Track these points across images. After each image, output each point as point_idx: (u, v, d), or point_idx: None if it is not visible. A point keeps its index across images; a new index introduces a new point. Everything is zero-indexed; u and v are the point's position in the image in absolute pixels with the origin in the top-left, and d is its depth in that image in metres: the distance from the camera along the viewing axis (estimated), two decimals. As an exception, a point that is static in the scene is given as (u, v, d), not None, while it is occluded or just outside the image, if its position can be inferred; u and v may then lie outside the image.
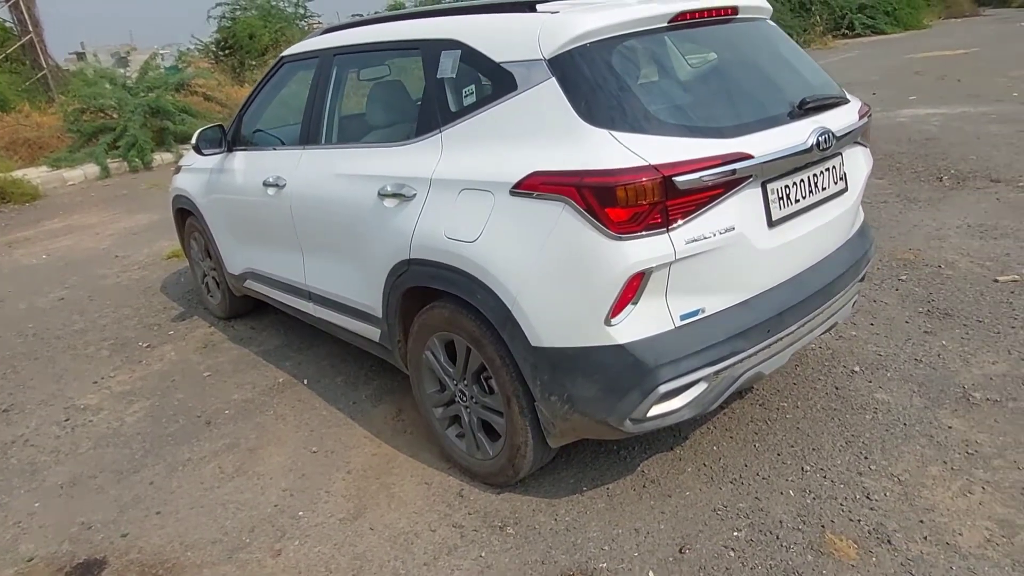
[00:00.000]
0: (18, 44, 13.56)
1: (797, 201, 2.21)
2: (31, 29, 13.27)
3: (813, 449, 2.54)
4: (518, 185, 2.04)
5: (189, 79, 12.82)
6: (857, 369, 3.04)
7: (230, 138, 3.64)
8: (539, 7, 2.22)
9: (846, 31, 21.24)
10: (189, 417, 3.28)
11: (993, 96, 9.43)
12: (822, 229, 2.33)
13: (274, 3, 18.17)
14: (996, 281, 3.76)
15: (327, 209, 2.88)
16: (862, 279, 2.66)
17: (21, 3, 12.85)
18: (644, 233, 1.90)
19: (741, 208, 2.03)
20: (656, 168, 1.87)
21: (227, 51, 17.76)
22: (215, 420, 3.23)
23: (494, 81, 2.22)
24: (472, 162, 2.23)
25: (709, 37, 2.39)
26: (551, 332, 2.05)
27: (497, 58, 2.21)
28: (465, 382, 2.47)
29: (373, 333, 2.86)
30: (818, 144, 2.16)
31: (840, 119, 2.32)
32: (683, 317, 2.02)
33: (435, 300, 2.46)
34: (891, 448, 2.50)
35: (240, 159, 3.59)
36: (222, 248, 3.96)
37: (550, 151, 2.02)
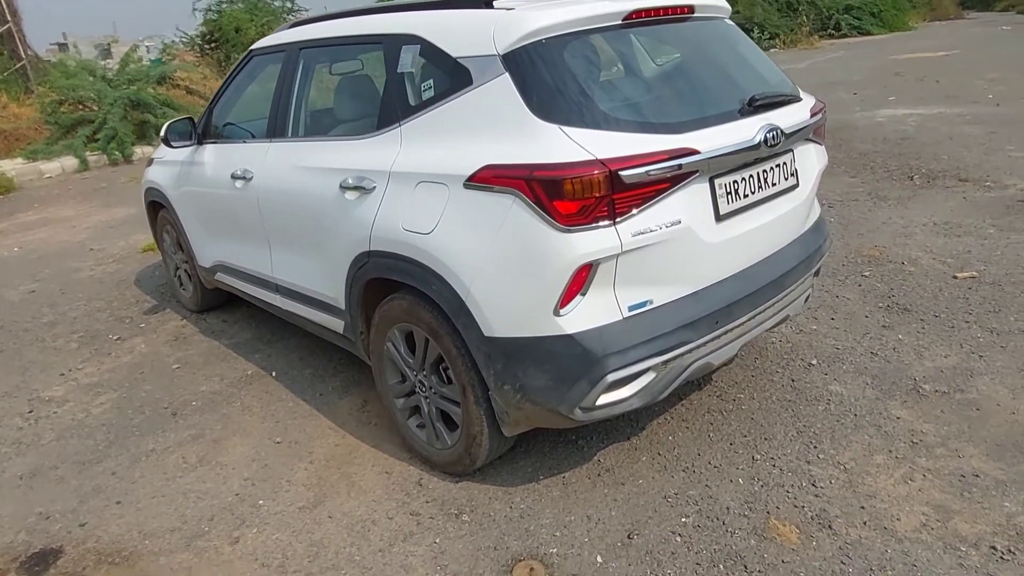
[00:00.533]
0: (-4, 35, 13.41)
1: (746, 196, 2.26)
2: (9, 19, 13.13)
3: (765, 439, 2.60)
4: (471, 178, 2.08)
5: (171, 72, 12.75)
6: (815, 362, 3.10)
7: (200, 130, 3.65)
8: (496, 3, 2.26)
9: (832, 31, 21.41)
10: (156, 408, 3.29)
11: (970, 98, 9.56)
12: (772, 224, 2.38)
13: (262, -5, 18.05)
14: (955, 278, 3.84)
15: (292, 202, 2.91)
16: (816, 273, 2.72)
17: (-1, -7, 12.72)
18: (591, 225, 1.94)
19: (688, 202, 2.08)
20: (602, 162, 1.91)
21: (213, 44, 17.63)
22: (181, 411, 3.25)
23: (451, 76, 2.25)
24: (429, 155, 2.26)
25: (665, 36, 2.44)
26: (503, 322, 2.09)
27: (454, 53, 2.24)
28: (424, 373, 2.50)
29: (337, 325, 2.89)
30: (766, 141, 2.21)
31: (791, 116, 2.38)
32: (631, 308, 2.07)
33: (395, 292, 2.49)
34: (840, 438, 2.57)
35: (210, 152, 3.60)
36: (193, 241, 3.97)
37: (502, 145, 2.05)
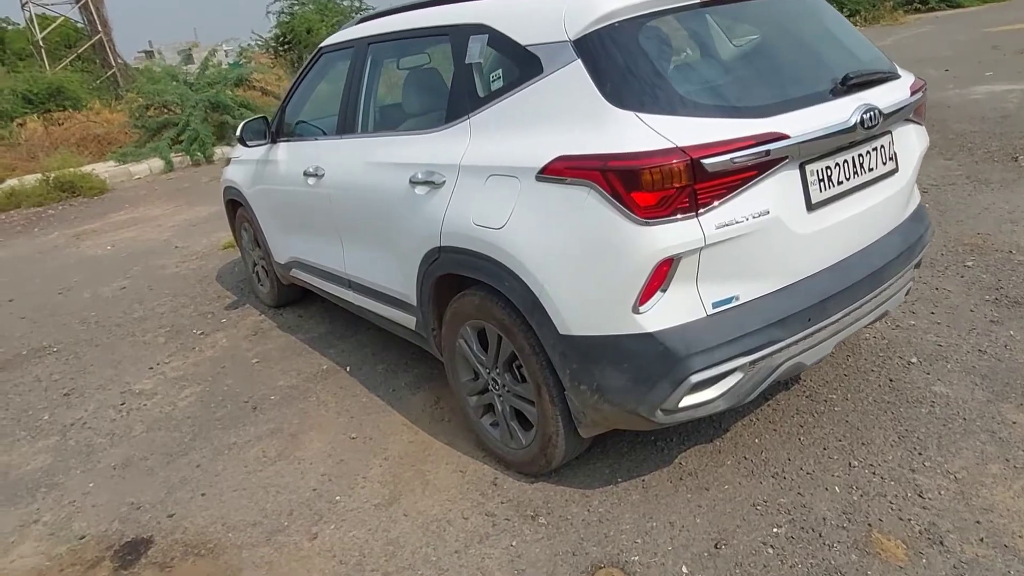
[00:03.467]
0: (89, 44, 14.20)
1: (840, 183, 2.09)
2: (100, 29, 13.89)
3: (862, 444, 2.42)
4: (543, 170, 2.00)
5: (248, 74, 13.20)
6: (914, 360, 2.88)
7: (274, 129, 3.70)
8: (566, -13, 2.16)
9: (919, 5, 20.12)
10: (236, 402, 3.37)
11: (1077, 70, 8.79)
12: (869, 212, 2.20)
13: (330, -2, 18.44)
14: (1073, 266, 3.50)
15: (363, 198, 2.90)
16: (917, 265, 2.51)
17: (90, 3, 13.43)
18: (672, 218, 1.83)
19: (777, 191, 1.93)
20: (683, 150, 1.80)
21: (286, 46, 18.14)
22: (261, 405, 3.31)
23: (520, 65, 2.18)
24: (499, 148, 2.20)
25: (744, 14, 2.29)
26: (579, 320, 2.00)
27: (523, 41, 2.16)
28: (497, 370, 2.45)
29: (409, 321, 2.87)
30: (862, 122, 2.03)
31: (889, 95, 2.18)
32: (715, 305, 1.94)
33: (466, 288, 2.45)
34: (948, 444, 2.36)
35: (283, 150, 3.65)
36: (269, 237, 4.05)
37: (576, 135, 1.96)
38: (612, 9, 1.98)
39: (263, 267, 4.45)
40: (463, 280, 2.44)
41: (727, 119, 1.88)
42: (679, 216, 1.83)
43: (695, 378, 1.92)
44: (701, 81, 2.03)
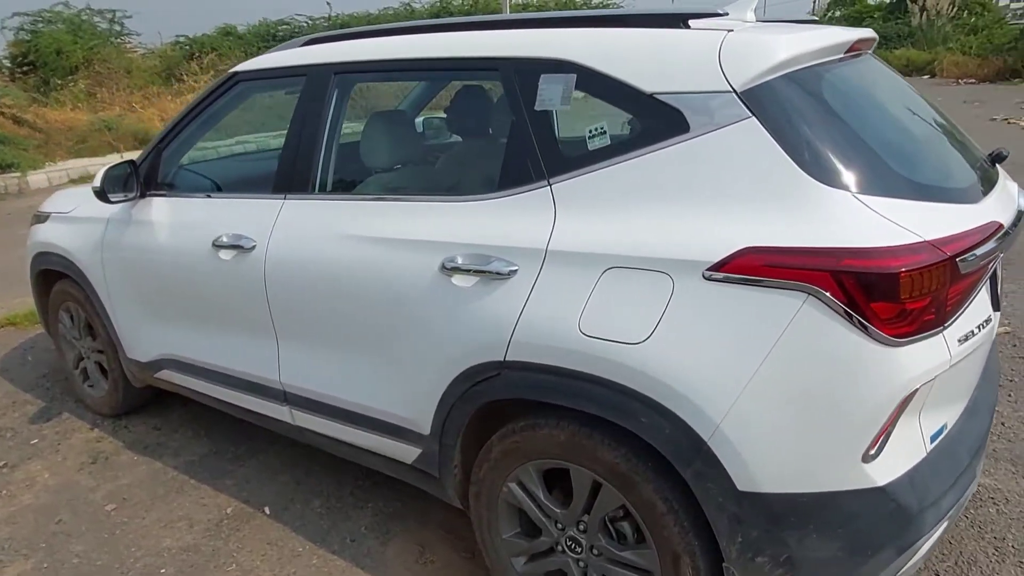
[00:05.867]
0: None
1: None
2: None
3: (968, 562, 2.15)
4: (720, 266, 1.44)
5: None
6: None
7: (143, 179, 2.66)
8: (693, 23, 1.66)
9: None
10: (102, 585, 2.24)
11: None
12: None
13: (85, 17, 15.94)
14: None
15: (337, 284, 2.07)
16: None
17: None
18: (920, 335, 1.38)
19: (983, 292, 1.59)
20: (935, 245, 1.37)
21: (26, 67, 15.21)
22: (146, 587, 2.23)
23: (643, 118, 1.62)
24: (622, 229, 1.59)
25: (858, 74, 1.95)
26: (775, 473, 1.45)
27: (647, 87, 1.60)
28: (582, 528, 1.78)
29: (407, 454, 2.08)
30: (1020, 209, 1.79)
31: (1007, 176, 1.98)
32: (932, 438, 1.52)
33: (532, 416, 1.77)
34: (1044, 550, 2.17)
35: (162, 208, 2.62)
36: (123, 326, 2.90)
37: (764, 219, 1.44)
38: (790, 56, 1.51)
39: (98, 363, 3.22)
40: (512, 406, 1.78)
41: (946, 204, 1.50)
42: (927, 332, 1.38)
43: (927, 541, 1.47)
44: (896, 153, 1.63)
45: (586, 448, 1.67)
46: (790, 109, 1.50)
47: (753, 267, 1.42)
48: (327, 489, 2.67)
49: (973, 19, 23.90)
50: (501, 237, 1.75)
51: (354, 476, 2.70)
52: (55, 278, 3.20)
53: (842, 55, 1.75)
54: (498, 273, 1.72)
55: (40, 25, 15.32)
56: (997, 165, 1.88)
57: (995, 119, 11.08)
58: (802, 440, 1.43)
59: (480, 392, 1.80)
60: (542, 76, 1.75)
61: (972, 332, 1.48)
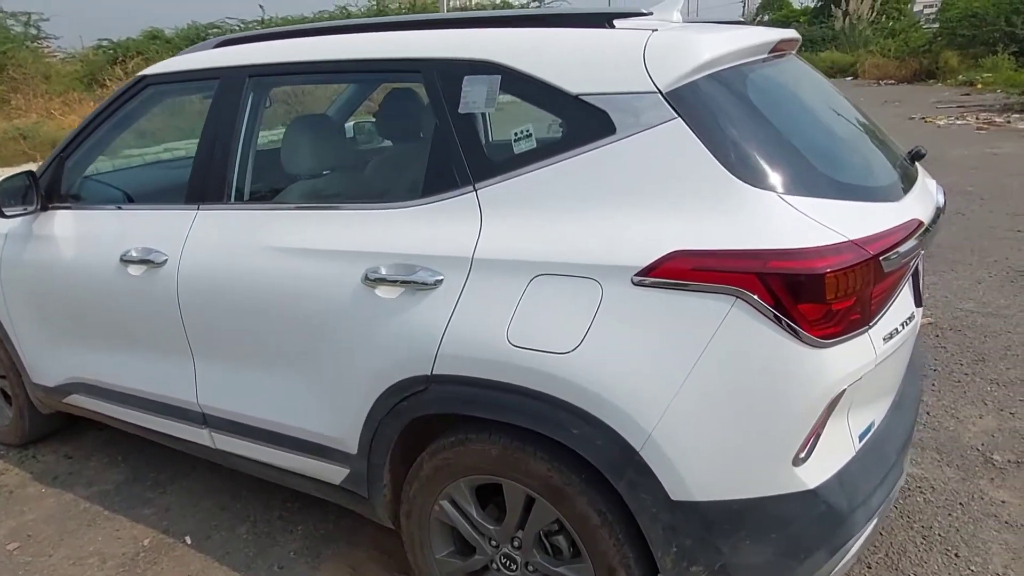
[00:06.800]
0: None
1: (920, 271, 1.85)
2: None
3: (899, 553, 2.18)
4: (649, 271, 1.41)
5: None
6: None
7: (44, 190, 2.47)
8: (618, 23, 1.63)
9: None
10: (1, 633, 2.06)
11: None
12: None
13: (-2, 21, 15.10)
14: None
15: (253, 298, 1.95)
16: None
17: None
18: (846, 335, 1.37)
19: (907, 290, 1.60)
20: (858, 244, 1.36)
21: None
22: (52, 632, 2.06)
23: (569, 120, 1.57)
24: (548, 235, 1.54)
25: (780, 74, 1.96)
26: (708, 480, 1.42)
27: (572, 88, 1.56)
28: (516, 544, 1.72)
29: (334, 475, 1.97)
30: (938, 205, 1.82)
31: (928, 175, 2.02)
32: (861, 437, 1.52)
33: (464, 431, 1.70)
34: (975, 542, 2.22)
35: (65, 221, 2.44)
36: (25, 350, 2.69)
37: (691, 222, 1.41)
38: (715, 55, 1.49)
39: (2, 389, 2.99)
40: (455, 420, 1.70)
41: (868, 202, 1.51)
42: (853, 332, 1.38)
43: (857, 541, 1.46)
44: (819, 153, 1.62)
45: (519, 462, 1.61)
46: (716, 109, 1.47)
47: (681, 271, 1.38)
48: (254, 513, 2.54)
49: (891, 23, 25.12)
50: (426, 246, 1.67)
51: (283, 498, 2.57)
52: (-52, 299, 2.95)
53: (766, 55, 1.75)
54: (423, 283, 1.65)
55: (-54, 29, 14.45)
56: (916, 163, 1.91)
57: (913, 118, 11.66)
58: (734, 446, 1.40)
59: (408, 407, 1.72)
60: (465, 78, 1.68)
61: (896, 330, 1.48)
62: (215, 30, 18.86)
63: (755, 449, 1.40)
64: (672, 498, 1.44)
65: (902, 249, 1.43)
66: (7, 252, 2.59)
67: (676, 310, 1.39)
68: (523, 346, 1.52)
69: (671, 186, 1.45)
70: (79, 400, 2.63)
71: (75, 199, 2.49)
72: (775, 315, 1.33)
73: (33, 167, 2.72)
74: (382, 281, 1.70)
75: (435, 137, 1.73)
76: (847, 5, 25.38)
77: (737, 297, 1.35)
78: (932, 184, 1.85)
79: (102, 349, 2.44)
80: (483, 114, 1.67)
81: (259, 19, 20.31)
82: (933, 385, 3.19)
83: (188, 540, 2.42)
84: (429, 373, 1.65)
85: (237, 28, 19.28)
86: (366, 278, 1.72)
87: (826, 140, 1.75)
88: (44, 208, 2.48)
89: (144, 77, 2.33)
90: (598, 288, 1.46)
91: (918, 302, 1.80)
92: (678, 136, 1.45)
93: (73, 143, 2.48)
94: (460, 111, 1.68)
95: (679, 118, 1.45)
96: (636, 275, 1.42)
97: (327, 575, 2.23)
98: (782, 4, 33.96)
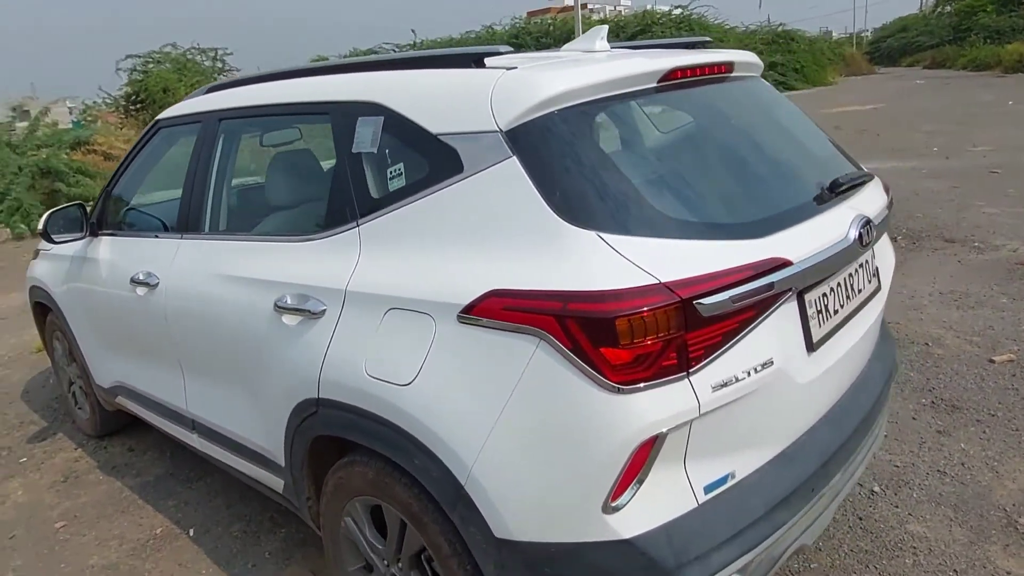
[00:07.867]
0: None
1: (836, 312, 1.69)
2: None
3: (856, 618, 1.98)
4: (469, 308, 1.43)
5: (87, 137, 11.80)
6: (877, 489, 2.52)
7: (94, 219, 2.89)
8: (488, 61, 1.66)
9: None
10: (24, 599, 2.44)
11: (915, 151, 9.61)
12: (860, 342, 1.81)
13: (190, 56, 17.31)
14: (992, 362, 3.38)
15: (210, 320, 2.19)
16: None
17: None
18: (656, 381, 1.31)
19: (777, 333, 1.48)
20: (668, 287, 1.30)
21: (138, 105, 16.70)
22: (60, 602, 2.40)
23: (430, 159, 1.63)
24: (402, 269, 1.61)
25: (701, 103, 1.88)
26: (524, 521, 1.42)
27: (433, 128, 1.62)
28: (400, 566, 1.79)
29: (275, 483, 2.15)
30: (860, 238, 1.66)
31: (873, 202, 1.84)
32: (708, 489, 1.43)
33: (355, 451, 1.80)
34: (952, 611, 1.96)
35: (107, 246, 2.85)
36: (87, 354, 3.16)
37: (513, 261, 1.42)
38: (557, 92, 1.49)
39: (81, 388, 3.50)
40: (348, 442, 1.80)
41: (715, 241, 1.42)
42: (666, 378, 1.31)
43: (691, 600, 1.38)
44: (672, 190, 1.57)
45: (388, 487, 1.68)
46: (553, 147, 1.47)
47: (493, 310, 1.40)
48: (252, 513, 2.79)
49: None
50: (316, 277, 1.80)
51: (276, 503, 2.79)
52: (46, 310, 3.51)
53: (656, 84, 1.68)
54: (312, 312, 1.77)
55: (150, 65, 16.77)
56: (846, 191, 1.74)
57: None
58: (546, 488, 1.38)
59: (308, 427, 1.85)
60: (359, 119, 1.80)
61: (737, 377, 1.38)
62: (373, 56, 20.40)
63: (564, 493, 1.37)
64: (495, 535, 1.44)
65: (734, 292, 1.34)
66: (71, 271, 3.06)
67: (492, 348, 1.41)
68: (377, 376, 1.59)
69: (502, 224, 1.47)
70: (123, 401, 3.04)
71: (116, 227, 2.89)
72: (574, 358, 1.31)
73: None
74: (286, 309, 1.84)
75: (335, 175, 1.86)
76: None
77: (540, 339, 1.34)
78: (850, 217, 1.67)
79: (128, 358, 2.81)
80: (381, 152, 1.73)
81: (412, 42, 21.72)
82: (984, 432, 2.81)
83: (191, 532, 2.71)
84: (316, 397, 1.77)
85: (394, 51, 20.75)
86: (276, 305, 1.87)
87: (697, 174, 1.66)
88: (94, 235, 2.90)
89: (158, 120, 2.67)
90: (432, 323, 1.50)
91: (811, 347, 1.60)
92: (511, 175, 1.46)
93: (115, 178, 2.89)
94: (353, 151, 1.79)
95: (513, 157, 1.46)
96: (460, 312, 1.45)
97: (289, 576, 2.41)
98: (964, -8, 30.55)
